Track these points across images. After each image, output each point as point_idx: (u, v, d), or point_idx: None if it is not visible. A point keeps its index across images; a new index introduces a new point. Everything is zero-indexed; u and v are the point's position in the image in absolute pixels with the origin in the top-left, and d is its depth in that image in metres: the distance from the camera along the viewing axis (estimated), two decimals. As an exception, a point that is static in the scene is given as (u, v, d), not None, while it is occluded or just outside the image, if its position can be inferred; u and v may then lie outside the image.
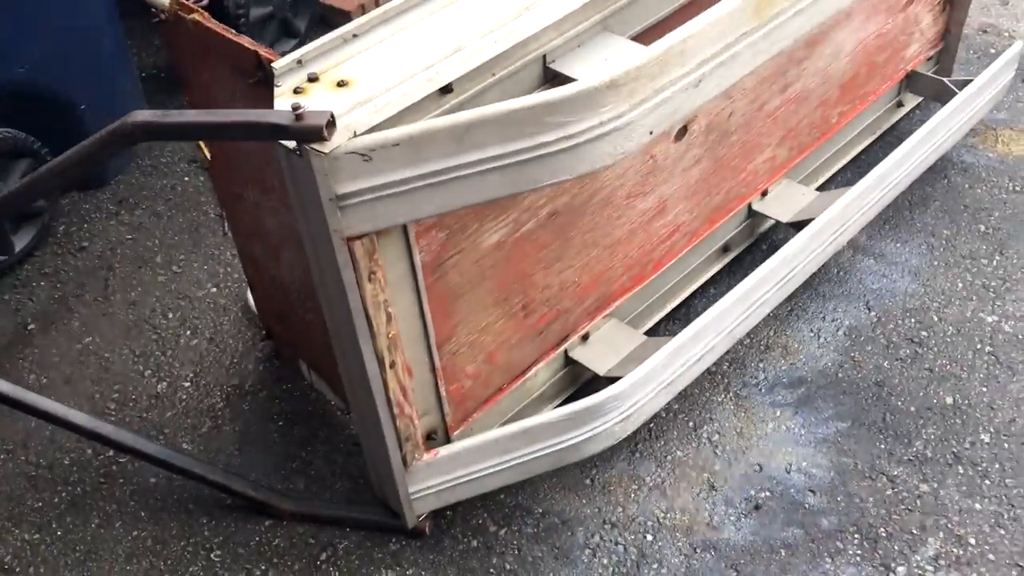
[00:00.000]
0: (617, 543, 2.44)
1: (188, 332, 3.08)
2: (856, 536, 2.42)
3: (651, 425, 2.68)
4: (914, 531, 2.42)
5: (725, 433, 2.67)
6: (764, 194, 3.05)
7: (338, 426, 2.76)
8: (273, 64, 1.88)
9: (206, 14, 2.06)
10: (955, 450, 2.59)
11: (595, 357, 2.63)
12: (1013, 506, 2.46)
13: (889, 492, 2.50)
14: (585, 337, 2.65)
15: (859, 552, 2.39)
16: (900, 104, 3.58)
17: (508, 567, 2.41)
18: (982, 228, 3.21)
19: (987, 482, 2.51)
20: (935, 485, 2.51)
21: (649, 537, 2.45)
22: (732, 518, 2.48)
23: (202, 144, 2.53)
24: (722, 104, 2.61)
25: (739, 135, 2.75)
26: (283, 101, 1.84)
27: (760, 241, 3.18)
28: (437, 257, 2.10)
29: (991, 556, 2.36)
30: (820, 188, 3.25)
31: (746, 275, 2.63)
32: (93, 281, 3.30)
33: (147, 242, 3.43)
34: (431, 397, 2.29)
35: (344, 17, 4.13)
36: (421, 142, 1.77)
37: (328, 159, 1.73)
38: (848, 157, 3.44)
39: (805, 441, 2.64)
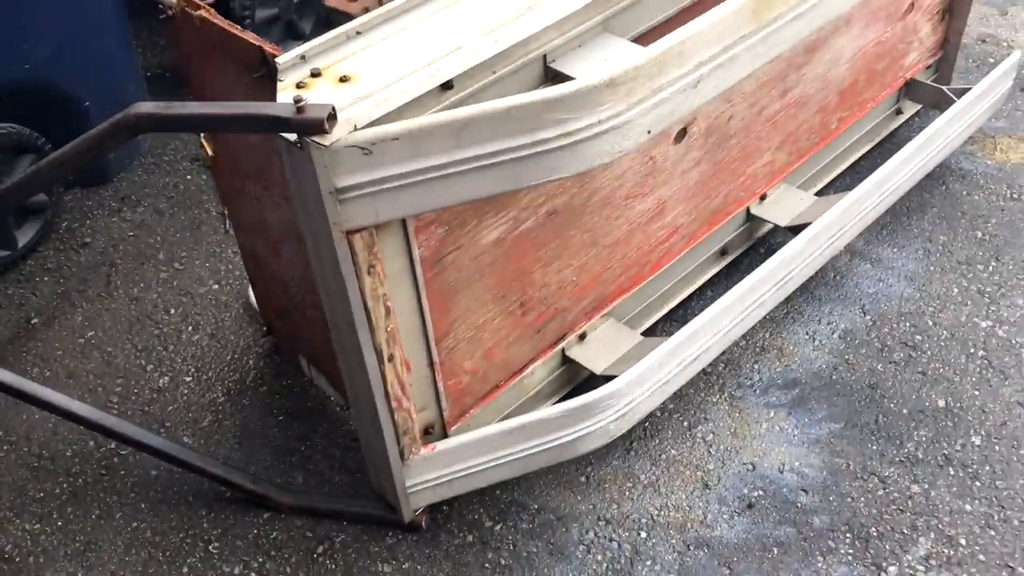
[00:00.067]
0: (611, 539, 2.46)
1: (190, 328, 3.10)
2: (848, 535, 2.44)
3: (646, 424, 2.70)
4: (905, 531, 2.44)
5: (719, 433, 2.69)
6: (763, 198, 3.07)
7: (337, 422, 2.78)
8: (277, 59, 1.90)
9: (212, 10, 2.09)
10: (946, 452, 2.61)
11: (592, 356, 2.65)
12: (1003, 507, 2.47)
13: (881, 492, 2.52)
14: (582, 336, 2.67)
15: (851, 551, 2.40)
16: (899, 111, 3.60)
17: (503, 562, 2.43)
18: (979, 234, 3.23)
19: (978, 484, 2.53)
20: (926, 486, 2.53)
21: (643, 534, 2.47)
22: (725, 516, 2.50)
23: (204, 142, 2.56)
24: (721, 107, 2.63)
25: (738, 139, 2.77)
26: (286, 95, 1.85)
27: (758, 245, 3.20)
28: (436, 252, 2.12)
29: (981, 557, 2.38)
30: (818, 193, 3.27)
31: (743, 278, 2.65)
32: (95, 277, 3.32)
33: (149, 239, 3.46)
34: (429, 392, 2.31)
35: (348, 19, 4.14)
36: (420, 137, 1.79)
37: (328, 152, 1.75)
38: (847, 163, 3.46)
39: (798, 441, 2.66)
